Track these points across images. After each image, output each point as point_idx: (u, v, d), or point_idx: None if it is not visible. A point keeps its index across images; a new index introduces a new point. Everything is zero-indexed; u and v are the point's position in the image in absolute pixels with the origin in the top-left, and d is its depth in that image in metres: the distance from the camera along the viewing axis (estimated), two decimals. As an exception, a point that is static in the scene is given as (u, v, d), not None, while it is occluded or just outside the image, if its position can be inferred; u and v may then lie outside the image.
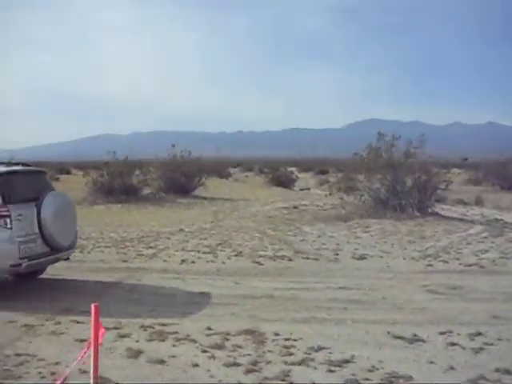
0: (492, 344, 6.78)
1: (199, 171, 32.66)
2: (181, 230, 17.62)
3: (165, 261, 12.67)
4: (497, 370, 5.87)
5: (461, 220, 19.86)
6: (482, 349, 6.62)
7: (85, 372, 5.21)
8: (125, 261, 12.62)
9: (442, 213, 21.31)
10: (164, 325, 7.63)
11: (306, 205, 26.57)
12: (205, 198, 30.85)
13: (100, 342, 3.73)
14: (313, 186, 55.09)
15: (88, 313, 7.95)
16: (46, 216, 9.28)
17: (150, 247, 14.35)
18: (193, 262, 12.50)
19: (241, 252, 13.68)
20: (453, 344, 6.79)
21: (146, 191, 30.34)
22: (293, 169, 77.38)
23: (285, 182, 50.99)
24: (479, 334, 7.16)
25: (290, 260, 12.85)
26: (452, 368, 5.99)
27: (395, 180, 20.63)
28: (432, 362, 6.18)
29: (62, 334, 7.35)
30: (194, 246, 14.61)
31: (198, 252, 13.67)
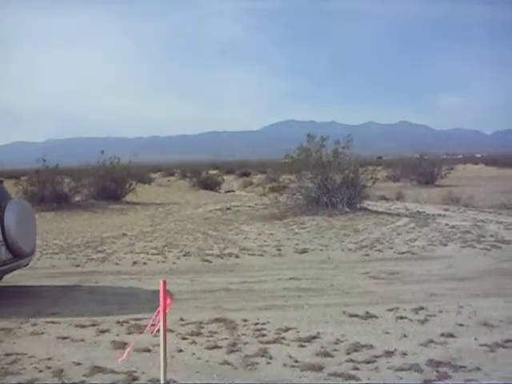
0: (434, 315, 7.85)
1: (129, 177, 32.79)
2: (124, 234, 17.98)
3: (116, 264, 13.07)
4: (442, 335, 6.91)
5: (388, 214, 21.32)
6: (426, 320, 7.66)
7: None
8: (77, 265, 12.91)
9: (370, 208, 22.71)
10: (138, 319, 8.16)
11: (238, 206, 27.36)
12: (136, 204, 31.07)
13: (167, 310, 4.50)
14: (237, 188, 56.06)
15: (59, 314, 8.52)
16: (9, 224, 9.53)
17: (99, 251, 14.68)
18: (144, 264, 12.98)
19: (188, 252, 14.27)
20: (401, 317, 7.80)
21: (77, 198, 30.20)
22: (214, 172, 78.18)
23: (211, 185, 51.70)
24: (421, 308, 8.22)
25: (237, 257, 13.59)
26: (405, 336, 6.98)
27: (325, 178, 21.83)
28: (387, 333, 7.13)
29: (43, 333, 7.71)
30: (141, 248, 15.05)
31: (147, 254, 14.14)
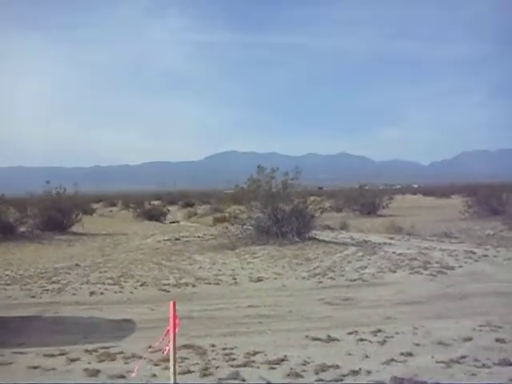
0: (392, 337, 8.37)
1: (75, 207, 32.48)
2: (77, 265, 17.87)
3: (73, 294, 13.07)
4: (401, 354, 7.41)
5: (336, 243, 21.98)
6: (385, 341, 8.16)
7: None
8: (33, 296, 12.84)
9: (318, 237, 23.33)
10: (107, 348, 8.31)
11: (186, 236, 27.55)
12: (83, 234, 30.77)
13: (177, 330, 4.83)
14: (181, 218, 56.04)
15: (24, 344, 8.56)
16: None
17: (53, 282, 14.60)
18: (102, 294, 13.04)
19: (145, 282, 14.39)
20: (361, 340, 8.27)
21: (23, 229, 29.67)
22: (156, 202, 77.85)
23: (156, 216, 51.49)
24: (379, 330, 8.73)
25: (193, 286, 13.82)
26: (367, 356, 7.44)
27: (275, 209, 22.37)
28: (350, 354, 7.57)
29: (11, 363, 7.75)
30: (96, 278, 15.05)
31: (103, 284, 14.18)
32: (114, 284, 14.19)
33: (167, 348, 4.97)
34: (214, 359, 7.59)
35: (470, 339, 8.10)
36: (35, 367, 7.44)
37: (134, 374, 5.69)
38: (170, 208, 65.10)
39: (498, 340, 8.01)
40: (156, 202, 76.52)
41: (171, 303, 4.55)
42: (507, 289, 12.20)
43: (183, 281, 14.49)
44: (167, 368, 7.25)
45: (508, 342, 7.89)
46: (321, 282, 13.83)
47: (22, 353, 8.19)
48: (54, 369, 7.38)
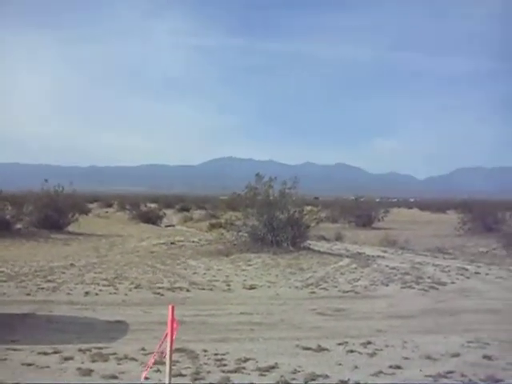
0: (381, 349, 8.50)
1: (73, 207, 32.58)
2: (72, 264, 17.99)
3: (68, 293, 13.17)
4: (390, 367, 7.54)
5: (330, 254, 22.16)
6: (374, 353, 8.29)
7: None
8: (28, 294, 12.94)
9: (312, 247, 23.48)
10: (100, 348, 8.42)
11: (182, 241, 27.68)
12: (79, 234, 30.90)
13: (175, 335, 4.97)
14: (177, 222, 56.14)
15: (18, 341, 8.66)
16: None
17: (49, 281, 14.70)
18: (96, 294, 13.15)
19: (139, 284, 14.50)
20: (351, 351, 8.40)
21: (18, 226, 29.74)
22: (153, 205, 77.97)
23: (152, 219, 51.59)
24: (369, 342, 8.86)
25: (187, 291, 13.94)
26: (356, 367, 7.57)
27: (272, 217, 22.52)
28: (340, 364, 7.71)
29: (5, 360, 7.85)
30: (91, 279, 15.16)
31: (98, 285, 14.29)
32: (109, 285, 14.29)
33: (161, 350, 5.10)
34: (205, 364, 7.71)
35: (457, 355, 8.24)
36: (29, 364, 7.55)
37: (144, 375, 5.84)
38: (166, 212, 65.27)
39: (485, 357, 8.15)
40: (152, 205, 76.69)
41: (170, 307, 4.68)
42: (497, 306, 12.34)
43: (177, 285, 14.61)
44: (159, 371, 7.39)
45: (495, 359, 8.02)
46: (314, 292, 13.96)
47: (15, 349, 8.29)
48: (47, 367, 7.49)
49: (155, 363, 7.72)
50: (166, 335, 4.76)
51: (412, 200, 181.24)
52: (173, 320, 4.68)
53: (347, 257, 21.31)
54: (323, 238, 30.68)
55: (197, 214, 69.84)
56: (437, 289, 14.56)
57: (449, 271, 17.66)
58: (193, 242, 27.23)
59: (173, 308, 4.70)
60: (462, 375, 7.24)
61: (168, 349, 4.74)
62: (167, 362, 4.89)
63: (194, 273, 16.88)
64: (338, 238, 31.81)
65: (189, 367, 7.54)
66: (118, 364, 7.72)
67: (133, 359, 7.92)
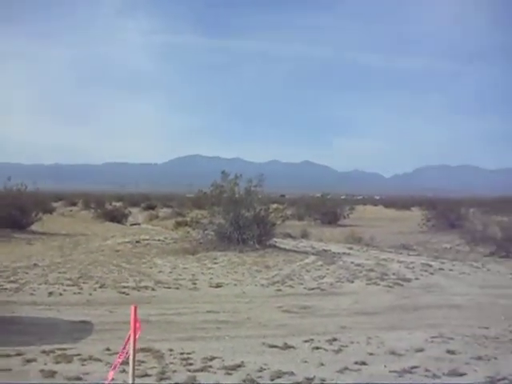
0: (347, 346, 8.58)
1: (36, 206, 32.01)
2: (35, 264, 17.65)
3: (31, 294, 12.92)
4: (355, 363, 7.62)
5: (296, 251, 22.24)
6: (340, 350, 8.36)
7: None
8: (-12, 295, 12.66)
9: (278, 245, 23.55)
10: (64, 349, 8.29)
11: (147, 239, 27.40)
12: (42, 234, 30.38)
13: (138, 335, 5.05)
14: (142, 221, 55.76)
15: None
16: None
17: (11, 281, 14.39)
18: (60, 295, 12.94)
19: (104, 284, 14.32)
20: (317, 348, 8.46)
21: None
22: (118, 203, 77.29)
23: (117, 217, 51.13)
24: (335, 339, 8.93)
25: (153, 290, 13.82)
26: (322, 364, 7.63)
27: (237, 215, 22.49)
28: (306, 361, 7.74)
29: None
30: (55, 279, 14.90)
31: (62, 285, 14.05)
32: (73, 285, 14.07)
33: (126, 350, 5.03)
34: (171, 363, 7.66)
35: (422, 350, 8.36)
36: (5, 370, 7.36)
37: (109, 379, 5.70)
38: (131, 210, 64.76)
39: (448, 351, 8.29)
40: (117, 204, 76.00)
41: (132, 307, 4.63)
42: (460, 302, 12.57)
43: (143, 284, 14.47)
44: (125, 371, 7.30)
45: (458, 354, 8.17)
46: (280, 290, 13.99)
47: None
48: (9, 369, 7.34)
49: (122, 363, 7.67)
50: (129, 338, 4.70)
51: (377, 197, 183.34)
52: (136, 320, 4.63)
53: (313, 254, 21.42)
54: (289, 236, 30.78)
55: (162, 212, 69.54)
56: (401, 285, 14.74)
57: (413, 267, 17.90)
58: (158, 240, 26.99)
59: (135, 308, 4.65)
60: (426, 370, 7.35)
61: (131, 349, 4.68)
62: (130, 363, 4.85)
63: (160, 271, 16.75)
64: (304, 235, 31.97)
65: (154, 367, 7.48)
66: (83, 365, 7.61)
67: (97, 360, 7.82)
